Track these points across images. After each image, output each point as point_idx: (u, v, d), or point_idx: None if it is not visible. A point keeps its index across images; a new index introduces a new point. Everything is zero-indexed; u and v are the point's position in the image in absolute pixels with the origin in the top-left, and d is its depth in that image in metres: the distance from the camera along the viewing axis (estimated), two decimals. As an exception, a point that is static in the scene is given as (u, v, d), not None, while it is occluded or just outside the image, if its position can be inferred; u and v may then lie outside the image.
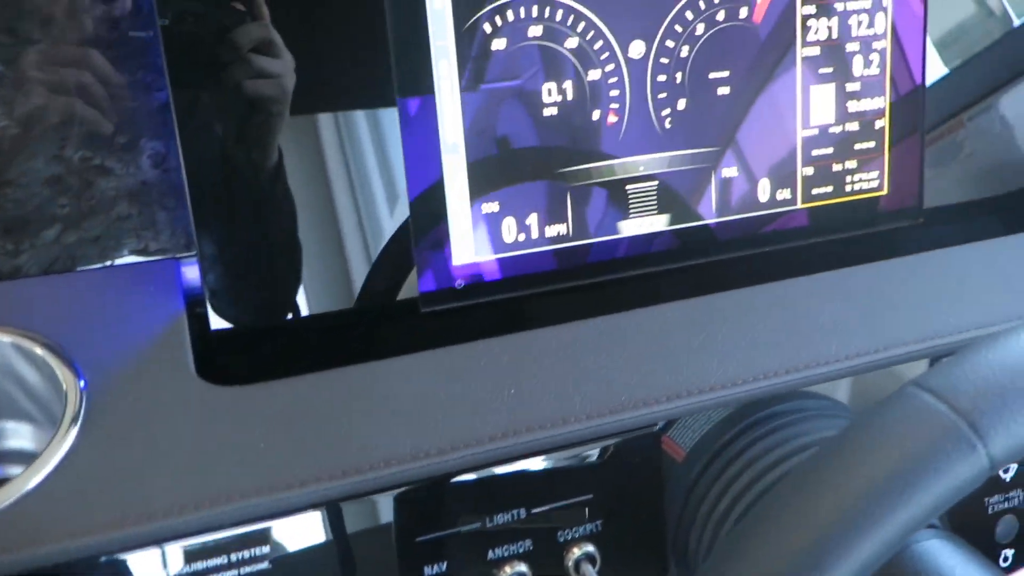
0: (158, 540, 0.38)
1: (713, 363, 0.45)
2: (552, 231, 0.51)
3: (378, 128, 0.48)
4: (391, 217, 0.49)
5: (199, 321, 0.46)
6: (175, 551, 0.38)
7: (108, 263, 0.48)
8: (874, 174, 0.57)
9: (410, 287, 0.50)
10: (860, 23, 0.54)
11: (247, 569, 0.39)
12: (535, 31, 0.48)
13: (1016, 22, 0.61)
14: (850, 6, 0.54)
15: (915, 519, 0.28)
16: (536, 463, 0.42)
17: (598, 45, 0.50)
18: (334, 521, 0.40)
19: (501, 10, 0.48)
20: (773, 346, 0.46)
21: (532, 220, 0.51)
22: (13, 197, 0.47)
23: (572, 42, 0.49)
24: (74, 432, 0.39)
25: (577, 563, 0.43)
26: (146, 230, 0.49)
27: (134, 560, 0.38)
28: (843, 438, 0.30)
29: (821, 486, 0.29)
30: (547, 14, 0.48)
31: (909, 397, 0.29)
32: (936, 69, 0.58)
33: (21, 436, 0.44)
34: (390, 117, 0.48)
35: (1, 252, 0.46)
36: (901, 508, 0.27)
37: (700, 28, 0.51)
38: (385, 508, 0.41)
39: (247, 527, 0.39)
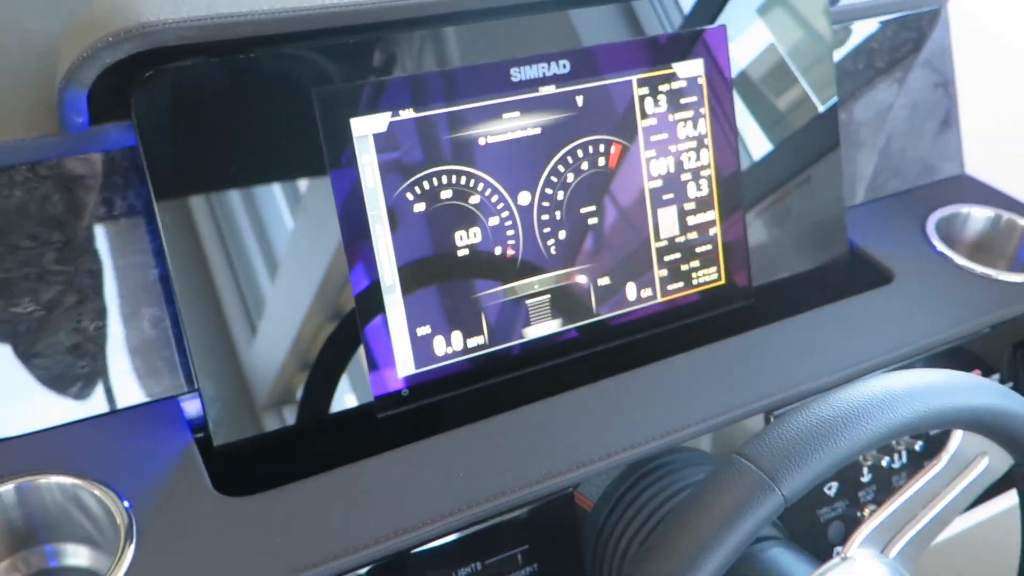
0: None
1: (607, 434, 0.60)
2: (472, 342, 0.66)
3: (331, 279, 0.62)
4: (347, 344, 0.63)
5: (205, 443, 0.59)
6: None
7: (126, 407, 0.60)
8: (712, 269, 0.73)
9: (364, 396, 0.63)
10: (689, 159, 0.71)
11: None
12: (446, 194, 0.63)
13: (821, 109, 0.78)
14: (681, 147, 0.70)
15: (741, 540, 0.43)
16: (485, 525, 0.56)
17: (495, 199, 0.65)
18: None
19: (419, 182, 0.62)
20: (650, 416, 0.61)
21: (456, 336, 0.65)
22: (42, 366, 0.58)
23: (475, 199, 0.64)
24: (131, 548, 0.51)
25: (524, 601, 0.57)
26: (150, 378, 0.61)
27: None
28: (695, 492, 0.45)
29: (682, 523, 0.44)
30: (454, 180, 0.63)
31: (734, 462, 0.45)
32: (764, 149, 0.75)
33: (80, 556, 0.55)
34: (342, 270, 0.61)
35: (33, 414, 0.58)
36: (731, 534, 0.42)
37: (570, 177, 0.67)
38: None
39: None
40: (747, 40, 0.73)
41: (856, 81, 0.84)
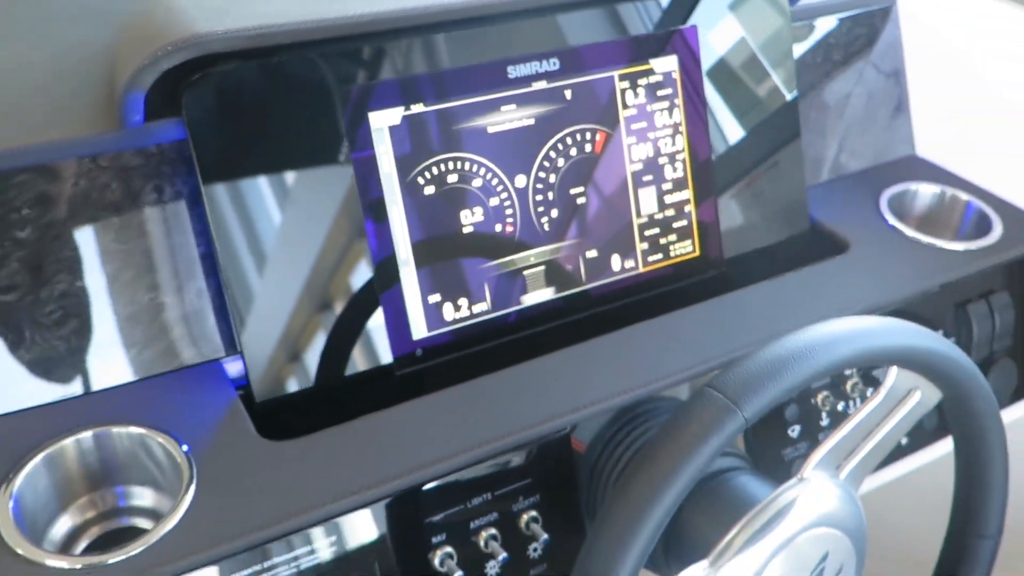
0: (254, 546, 0.58)
1: (597, 385, 0.68)
2: (477, 308, 0.74)
3: (353, 255, 0.70)
4: (368, 311, 0.71)
5: (246, 398, 0.67)
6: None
7: (176, 369, 0.69)
8: (688, 242, 0.82)
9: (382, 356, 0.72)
10: (666, 144, 0.80)
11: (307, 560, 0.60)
12: (452, 178, 0.72)
13: (783, 99, 0.87)
14: (658, 134, 0.79)
15: (711, 455, 0.52)
16: (492, 463, 0.65)
17: (495, 182, 0.73)
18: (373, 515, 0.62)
19: (428, 168, 0.71)
20: (633, 369, 0.70)
21: (463, 302, 0.74)
22: (104, 333, 0.67)
23: (478, 182, 0.73)
24: (192, 488, 0.59)
25: (527, 523, 0.66)
26: (196, 343, 0.70)
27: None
28: (671, 418, 0.54)
29: (658, 448, 0.53)
30: (459, 166, 0.72)
31: (704, 392, 0.54)
32: (733, 135, 0.84)
33: (145, 497, 0.64)
34: (363, 246, 0.70)
35: (102, 375, 0.66)
36: (702, 449, 0.51)
37: (561, 161, 0.76)
38: (402, 503, 0.62)
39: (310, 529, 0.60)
40: (717, 38, 0.82)
41: (817, 73, 0.93)
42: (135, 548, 0.56)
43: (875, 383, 0.80)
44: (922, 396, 0.61)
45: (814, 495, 0.60)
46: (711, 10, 0.81)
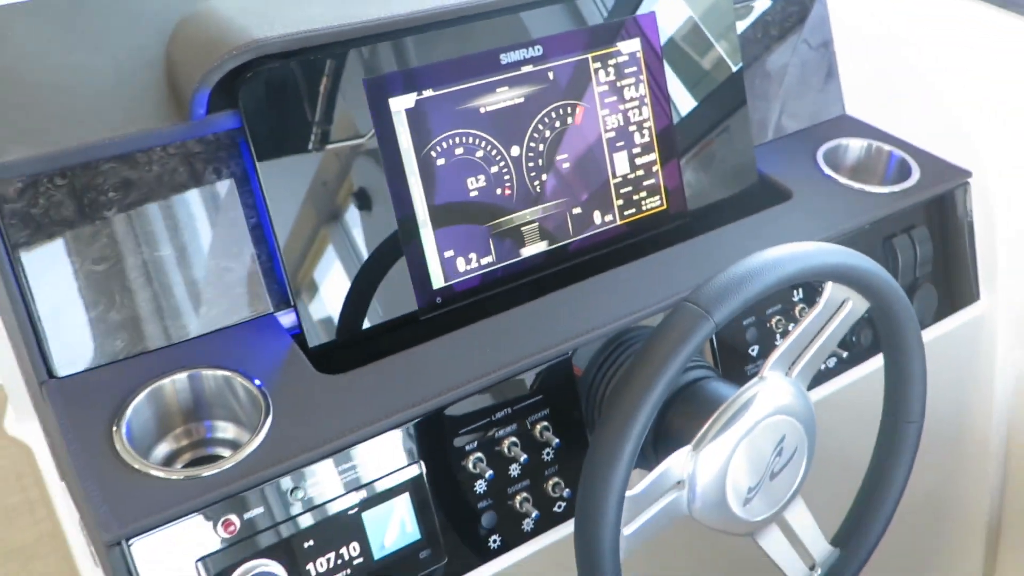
0: (323, 458, 0.71)
1: (588, 318, 0.83)
2: (484, 261, 0.88)
3: (381, 220, 0.84)
4: (395, 266, 0.85)
5: (300, 343, 0.81)
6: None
7: (239, 322, 0.82)
8: (656, 198, 0.97)
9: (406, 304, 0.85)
10: (634, 114, 0.94)
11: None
12: (459, 151, 0.85)
13: (734, 70, 1.02)
14: (627, 106, 0.94)
15: (688, 355, 0.66)
16: (508, 384, 0.79)
17: (494, 152, 0.87)
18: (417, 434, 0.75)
19: (439, 143, 0.84)
20: (617, 304, 0.84)
21: (473, 256, 0.88)
22: (180, 295, 0.79)
23: (480, 153, 0.86)
24: (269, 419, 0.73)
25: (541, 432, 0.80)
26: (253, 300, 0.83)
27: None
28: (656, 327, 0.68)
29: (638, 363, 0.67)
30: (464, 140, 0.86)
31: (680, 305, 0.68)
32: (689, 105, 0.98)
33: (228, 431, 0.77)
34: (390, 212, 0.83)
35: (180, 328, 0.79)
36: (680, 350, 0.66)
37: (547, 133, 0.90)
38: (438, 419, 0.76)
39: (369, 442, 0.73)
40: (671, 22, 0.96)
41: (758, 46, 1.08)
42: (227, 463, 0.69)
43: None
44: (853, 305, 0.76)
45: (771, 390, 0.75)
46: (666, -2, 0.96)
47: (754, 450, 0.74)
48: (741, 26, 1.06)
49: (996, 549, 1.23)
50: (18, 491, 1.73)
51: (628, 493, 0.69)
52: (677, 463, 0.73)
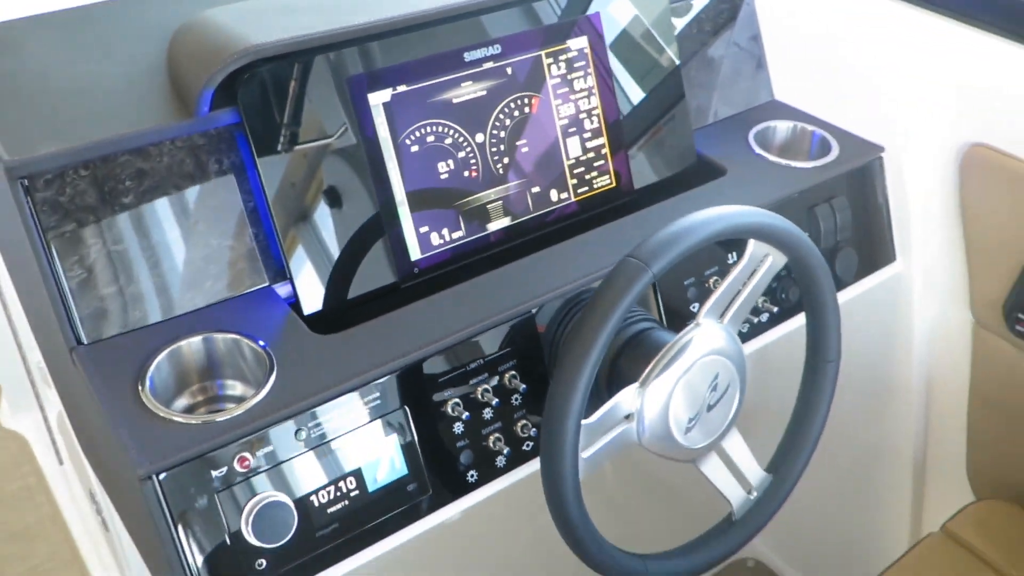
0: (322, 403, 0.83)
1: (547, 281, 0.95)
2: (455, 235, 1.00)
3: (364, 201, 0.95)
4: (378, 242, 0.96)
5: (297, 311, 0.92)
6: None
7: (240, 293, 0.93)
8: (606, 177, 1.09)
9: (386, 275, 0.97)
10: (583, 104, 1.06)
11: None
12: (431, 139, 0.97)
13: (673, 61, 1.14)
14: (577, 96, 1.06)
15: (630, 303, 0.79)
16: (480, 340, 0.91)
17: (461, 140, 0.99)
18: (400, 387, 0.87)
19: (413, 132, 0.96)
20: (572, 269, 0.96)
21: (444, 232, 0.99)
22: (189, 270, 0.90)
23: (449, 140, 0.98)
24: (274, 373, 0.84)
25: (510, 379, 0.92)
26: (251, 274, 0.94)
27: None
28: (603, 280, 0.81)
29: (589, 309, 0.79)
30: (435, 129, 0.97)
31: (623, 261, 0.81)
32: (634, 94, 1.11)
33: (236, 388, 0.88)
34: (371, 194, 0.95)
35: (190, 299, 0.90)
36: (621, 303, 0.78)
37: (508, 121, 1.02)
38: (419, 370, 0.87)
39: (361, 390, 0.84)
40: (616, 20, 1.09)
41: (696, 42, 1.20)
42: (239, 410, 0.80)
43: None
44: (772, 260, 0.89)
45: (705, 335, 0.88)
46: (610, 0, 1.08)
47: (692, 386, 0.87)
48: (680, 23, 1.18)
49: (923, 484, 1.37)
50: (17, 478, 1.82)
51: (584, 422, 0.81)
52: (626, 398, 0.85)
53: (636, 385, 0.86)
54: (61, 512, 1.73)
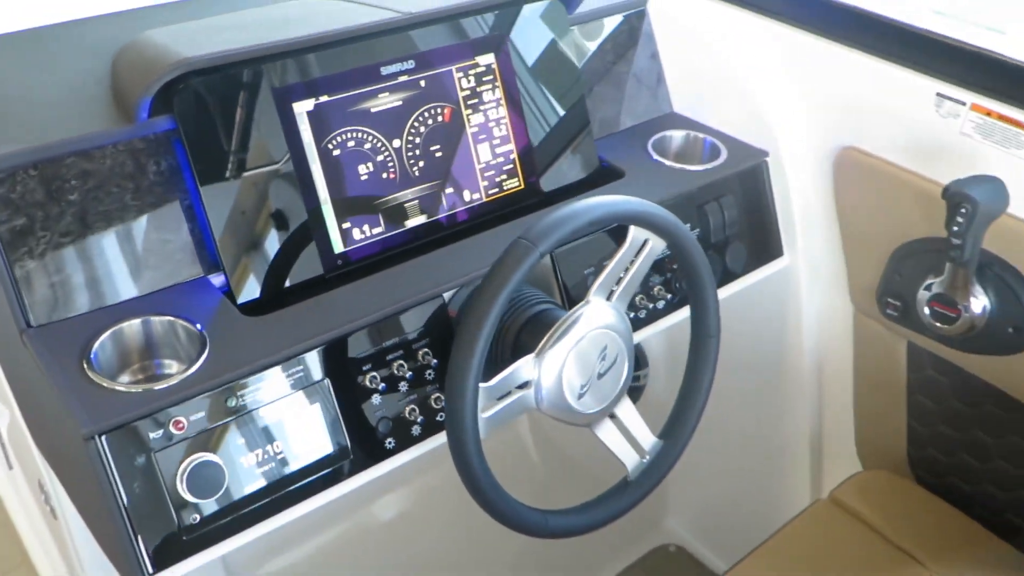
0: (251, 373, 0.92)
1: (458, 271, 1.05)
2: (375, 231, 1.11)
3: (293, 199, 1.05)
4: (304, 236, 1.07)
5: (231, 299, 1.02)
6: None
7: (178, 283, 1.02)
8: (515, 180, 1.21)
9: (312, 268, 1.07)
10: (492, 113, 1.18)
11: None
12: (351, 144, 1.08)
13: (575, 75, 1.26)
14: (486, 106, 1.18)
15: (521, 279, 0.89)
16: (397, 321, 1.01)
17: (379, 145, 1.10)
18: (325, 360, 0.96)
19: (335, 137, 1.07)
20: (481, 260, 1.07)
21: (365, 228, 1.10)
22: (131, 260, 1.00)
23: (368, 145, 1.09)
24: (207, 349, 0.93)
25: (423, 356, 1.02)
26: (188, 265, 1.04)
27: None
28: (496, 260, 0.92)
29: (485, 280, 0.90)
30: (355, 135, 1.08)
31: (515, 242, 0.92)
32: (541, 106, 1.23)
33: (173, 367, 0.97)
34: (298, 193, 1.05)
35: (131, 288, 1.00)
36: (513, 276, 0.89)
37: (423, 128, 1.13)
38: (340, 346, 0.97)
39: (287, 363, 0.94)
40: (522, 38, 1.21)
41: (602, 60, 1.33)
42: (175, 379, 0.90)
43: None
44: (653, 244, 1.01)
45: (594, 311, 0.99)
46: (515, 19, 1.20)
47: (583, 355, 0.98)
48: (590, 44, 1.31)
49: (820, 458, 1.50)
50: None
51: (483, 384, 0.91)
52: (524, 367, 0.96)
53: (533, 355, 0.97)
54: (10, 517, 1.79)
